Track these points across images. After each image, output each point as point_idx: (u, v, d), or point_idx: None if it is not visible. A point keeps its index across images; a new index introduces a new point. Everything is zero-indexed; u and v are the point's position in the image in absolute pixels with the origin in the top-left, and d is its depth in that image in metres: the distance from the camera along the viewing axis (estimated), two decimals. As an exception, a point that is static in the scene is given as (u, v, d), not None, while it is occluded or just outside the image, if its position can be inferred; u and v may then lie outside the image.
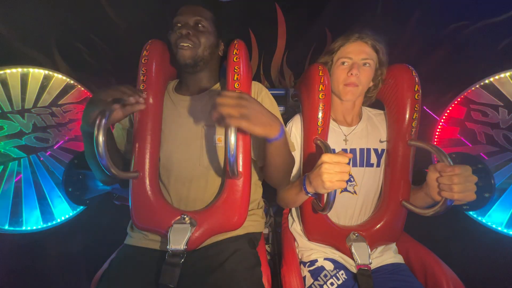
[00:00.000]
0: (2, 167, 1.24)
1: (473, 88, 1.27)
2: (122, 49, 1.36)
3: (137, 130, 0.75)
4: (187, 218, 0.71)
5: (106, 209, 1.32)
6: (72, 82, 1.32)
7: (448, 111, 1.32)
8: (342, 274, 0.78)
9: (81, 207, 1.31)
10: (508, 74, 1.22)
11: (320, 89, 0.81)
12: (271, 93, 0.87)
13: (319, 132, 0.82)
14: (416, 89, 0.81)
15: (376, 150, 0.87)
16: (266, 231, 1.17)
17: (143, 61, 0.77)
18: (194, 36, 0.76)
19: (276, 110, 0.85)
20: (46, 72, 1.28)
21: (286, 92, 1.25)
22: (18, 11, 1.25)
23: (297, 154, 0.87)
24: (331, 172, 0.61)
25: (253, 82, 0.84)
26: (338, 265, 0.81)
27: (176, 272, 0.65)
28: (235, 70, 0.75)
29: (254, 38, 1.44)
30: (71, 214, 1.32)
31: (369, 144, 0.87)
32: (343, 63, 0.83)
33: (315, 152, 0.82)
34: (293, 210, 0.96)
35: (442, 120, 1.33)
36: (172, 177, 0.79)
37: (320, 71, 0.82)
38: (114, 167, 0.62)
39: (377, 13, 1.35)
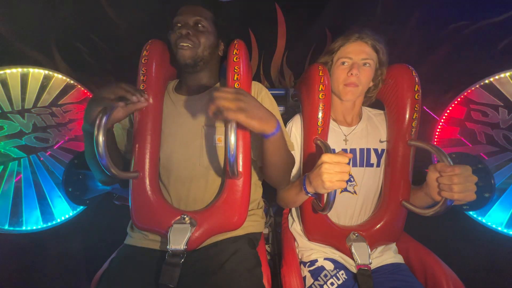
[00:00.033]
0: (2, 167, 1.24)
1: (473, 88, 1.27)
2: (122, 49, 1.36)
3: (137, 130, 0.74)
4: (187, 218, 0.71)
5: (106, 209, 1.32)
6: (72, 82, 1.32)
7: (448, 111, 1.32)
8: (342, 274, 0.78)
9: (81, 207, 1.31)
10: (508, 74, 1.22)
11: (320, 89, 0.81)
12: (271, 93, 0.87)
13: (319, 132, 0.82)
14: (416, 89, 0.81)
15: (376, 150, 0.87)
16: (266, 231, 1.17)
17: (143, 61, 0.77)
18: (194, 36, 0.76)
19: (276, 110, 0.85)
20: (46, 72, 1.28)
21: (286, 92, 1.25)
22: (18, 11, 1.25)
23: (297, 154, 0.87)
24: (331, 172, 0.61)
25: (253, 82, 0.84)
26: (338, 265, 0.81)
27: (176, 272, 0.65)
28: (235, 70, 0.75)
29: (254, 38, 1.44)
30: (71, 214, 1.32)
31: (369, 144, 0.87)
32: (343, 63, 0.83)
33: (315, 152, 0.82)
34: (293, 210, 0.96)
35: (442, 120, 1.33)
36: (172, 177, 0.79)
37: (320, 71, 0.82)
38: (114, 167, 0.62)
39: (377, 13, 1.35)
